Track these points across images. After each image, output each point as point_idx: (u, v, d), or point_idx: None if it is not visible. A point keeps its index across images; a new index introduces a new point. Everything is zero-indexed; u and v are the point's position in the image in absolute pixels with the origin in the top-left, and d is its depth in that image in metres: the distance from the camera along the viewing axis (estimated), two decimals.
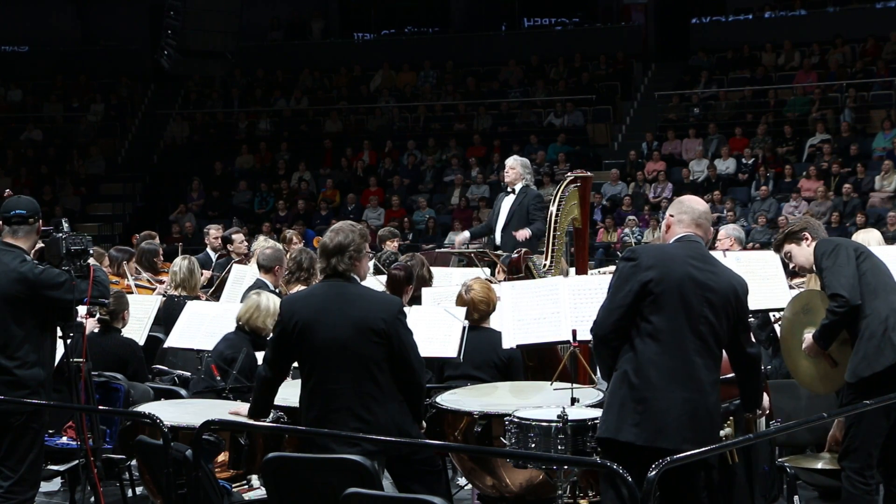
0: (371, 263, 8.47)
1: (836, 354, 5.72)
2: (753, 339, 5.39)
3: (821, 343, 5.69)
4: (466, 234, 11.42)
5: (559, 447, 4.90)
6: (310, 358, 5.12)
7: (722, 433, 4.98)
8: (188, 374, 7.62)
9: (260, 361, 6.70)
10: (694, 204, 4.90)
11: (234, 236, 10.90)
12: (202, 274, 9.56)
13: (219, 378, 6.75)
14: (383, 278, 7.79)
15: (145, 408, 5.89)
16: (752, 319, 6.51)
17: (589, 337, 5.01)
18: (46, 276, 5.64)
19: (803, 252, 5.94)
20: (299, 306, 5.19)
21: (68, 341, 5.79)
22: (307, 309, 5.13)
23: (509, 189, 10.37)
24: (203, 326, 7.50)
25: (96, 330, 7.10)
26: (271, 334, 6.86)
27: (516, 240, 9.87)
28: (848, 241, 5.97)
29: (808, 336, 5.75)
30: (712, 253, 7.05)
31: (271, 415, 5.40)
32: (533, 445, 4.95)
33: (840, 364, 5.70)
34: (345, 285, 5.14)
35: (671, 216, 4.89)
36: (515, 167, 10.37)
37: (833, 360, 5.73)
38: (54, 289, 5.63)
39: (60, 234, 5.76)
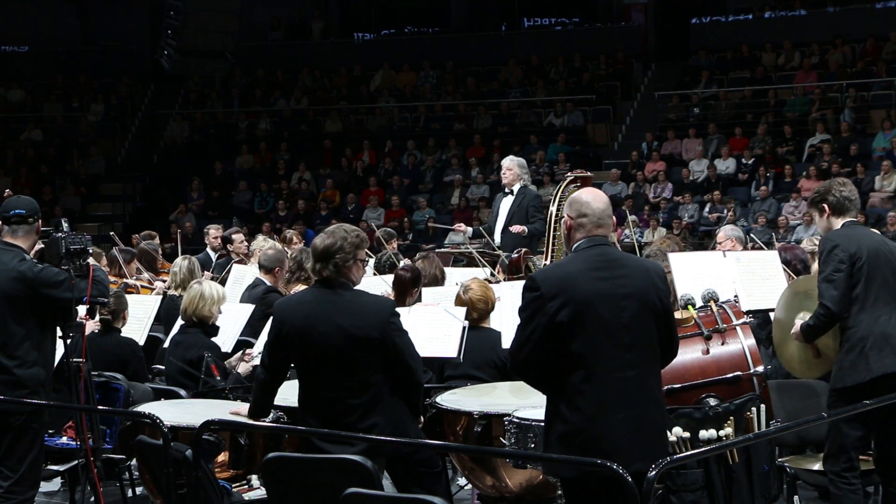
0: (371, 264, 8.48)
1: (821, 346, 5.73)
2: (753, 339, 5.41)
3: (805, 337, 5.71)
4: (469, 229, 11.38)
5: None
6: (304, 364, 5.13)
7: (722, 433, 4.98)
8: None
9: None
10: (594, 204, 4.44)
11: (234, 236, 10.90)
12: (202, 274, 9.56)
13: (218, 378, 6.76)
14: (389, 278, 7.80)
15: (145, 408, 5.89)
16: (751, 319, 6.50)
17: None
18: (45, 274, 5.65)
19: (821, 223, 5.90)
20: (290, 314, 5.16)
21: (68, 341, 5.79)
22: (298, 316, 5.11)
23: (507, 190, 10.37)
24: None
25: (97, 330, 7.10)
26: (216, 322, 6.96)
27: (516, 240, 9.87)
28: (851, 241, 5.69)
29: (798, 322, 5.75)
30: (711, 253, 7.03)
31: (271, 415, 5.41)
32: (533, 445, 4.94)
33: (823, 356, 5.71)
34: (335, 291, 5.10)
35: (570, 218, 4.47)
36: (513, 168, 10.35)
37: (818, 350, 5.73)
38: (53, 287, 5.63)
39: (60, 234, 5.77)
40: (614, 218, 4.62)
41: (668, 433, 4.77)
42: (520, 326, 4.38)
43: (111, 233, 12.04)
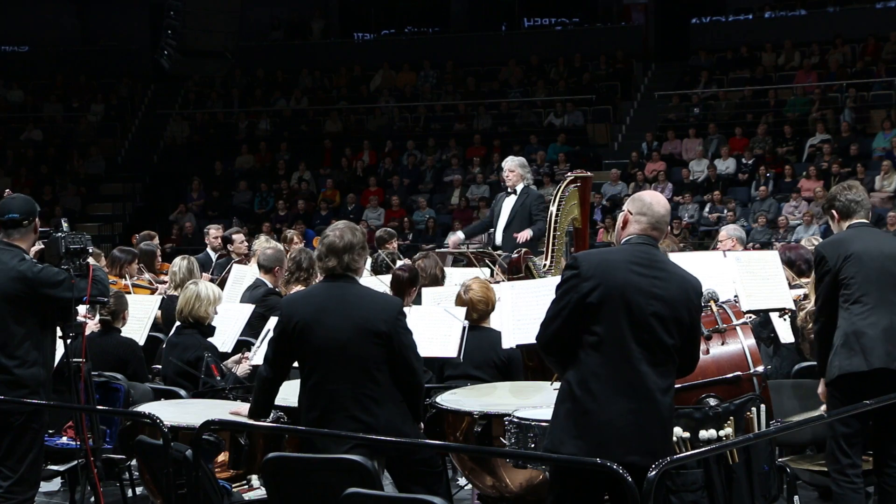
0: (367, 265, 8.48)
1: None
2: (753, 339, 5.41)
3: (816, 359, 5.82)
4: (460, 234, 11.38)
5: None
6: (309, 358, 5.12)
7: (722, 433, 4.98)
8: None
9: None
10: (656, 207, 4.58)
11: (234, 236, 10.90)
12: (202, 275, 9.55)
13: (218, 378, 6.76)
14: (386, 278, 7.79)
15: (145, 408, 5.88)
16: (751, 318, 6.51)
17: None
18: (45, 274, 5.64)
19: (834, 227, 5.99)
20: (299, 306, 5.19)
21: (68, 341, 5.79)
22: (307, 309, 5.13)
23: (510, 190, 10.35)
24: None
25: (97, 330, 7.10)
26: (212, 322, 6.96)
27: (517, 241, 9.85)
28: (838, 247, 5.78)
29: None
30: (711, 253, 7.03)
31: (271, 415, 5.41)
32: (533, 445, 4.94)
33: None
34: (346, 286, 5.15)
35: (629, 213, 4.60)
36: (514, 170, 10.32)
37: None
38: (53, 287, 5.63)
39: (60, 234, 5.77)
40: (670, 226, 4.69)
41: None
42: (553, 301, 4.51)
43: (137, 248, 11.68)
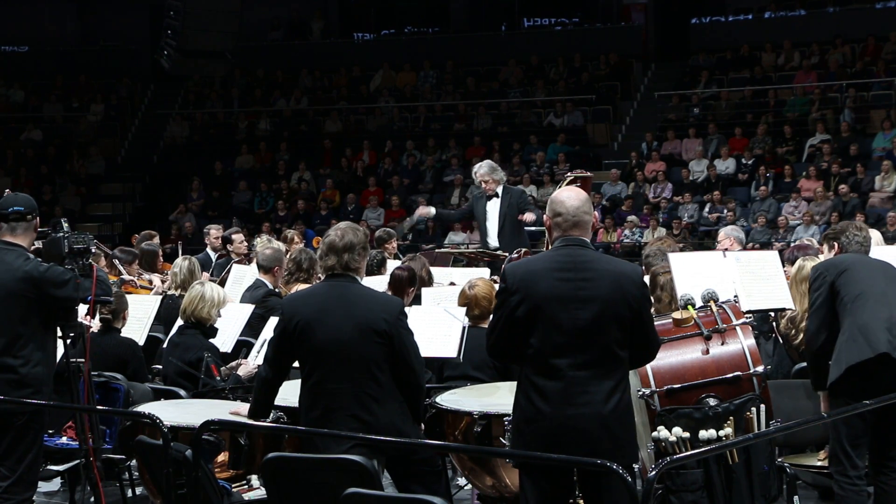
0: None
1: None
2: (753, 339, 5.41)
3: (812, 373, 5.83)
4: (431, 209, 11.51)
5: None
6: (310, 357, 5.13)
7: (722, 433, 4.98)
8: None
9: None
10: (568, 202, 4.50)
11: (234, 236, 10.90)
12: (202, 275, 9.54)
13: (219, 378, 6.76)
14: (375, 279, 7.77)
15: (145, 408, 5.89)
16: (751, 318, 6.50)
17: None
18: (51, 273, 5.64)
19: (829, 255, 6.04)
20: (300, 305, 5.20)
21: (68, 341, 5.78)
22: (308, 308, 5.14)
23: (489, 193, 10.40)
24: None
25: (96, 330, 7.10)
26: (214, 324, 6.97)
27: (514, 242, 9.88)
28: (832, 262, 5.90)
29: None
30: (711, 253, 7.03)
31: (271, 415, 5.41)
32: None
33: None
34: (347, 285, 5.16)
35: (548, 218, 4.57)
36: (488, 179, 10.37)
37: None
38: (59, 287, 5.62)
39: (61, 234, 5.76)
40: (596, 214, 4.68)
41: (646, 434, 4.92)
42: (493, 312, 4.63)
43: (115, 253, 11.62)
